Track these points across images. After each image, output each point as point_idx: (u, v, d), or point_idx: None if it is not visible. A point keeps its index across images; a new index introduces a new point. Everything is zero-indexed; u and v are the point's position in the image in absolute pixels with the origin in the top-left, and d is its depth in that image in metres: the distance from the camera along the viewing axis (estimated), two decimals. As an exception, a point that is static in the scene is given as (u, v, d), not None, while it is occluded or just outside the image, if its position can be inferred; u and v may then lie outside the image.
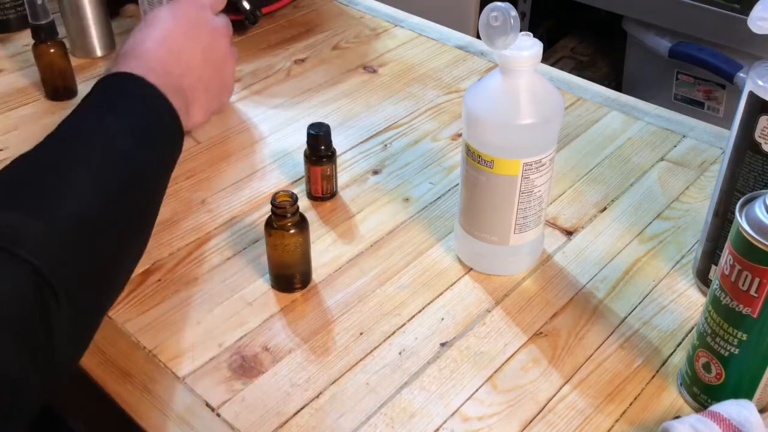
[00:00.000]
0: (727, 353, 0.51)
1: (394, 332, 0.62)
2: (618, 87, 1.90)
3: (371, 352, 0.60)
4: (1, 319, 0.44)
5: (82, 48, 0.97)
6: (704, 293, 0.65)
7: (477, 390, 0.57)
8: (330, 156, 0.73)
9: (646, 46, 1.75)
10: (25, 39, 1.00)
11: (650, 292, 0.66)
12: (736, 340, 0.50)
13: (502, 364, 0.59)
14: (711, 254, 0.63)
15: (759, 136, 0.55)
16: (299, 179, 0.78)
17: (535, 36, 0.58)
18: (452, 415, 0.56)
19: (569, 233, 0.72)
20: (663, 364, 0.59)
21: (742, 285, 0.48)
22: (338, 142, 0.84)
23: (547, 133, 0.60)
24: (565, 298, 0.65)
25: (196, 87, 0.75)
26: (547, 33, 2.15)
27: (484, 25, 0.55)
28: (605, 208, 0.75)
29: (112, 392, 0.57)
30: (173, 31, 0.74)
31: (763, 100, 0.54)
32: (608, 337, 0.61)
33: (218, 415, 0.55)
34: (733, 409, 0.49)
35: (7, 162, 0.56)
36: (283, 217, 0.61)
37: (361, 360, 0.59)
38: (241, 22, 1.04)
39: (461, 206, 0.66)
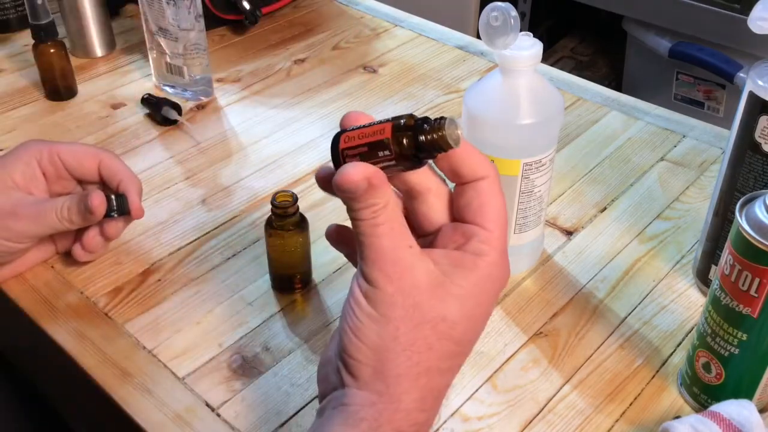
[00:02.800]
0: (727, 353, 0.51)
1: (394, 332, 0.62)
2: (618, 87, 1.90)
3: (371, 352, 0.60)
4: None
5: (82, 48, 0.97)
6: (704, 293, 0.65)
7: (477, 390, 0.57)
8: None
9: (646, 46, 1.75)
10: (25, 39, 1.00)
11: (650, 292, 0.66)
12: (736, 340, 0.50)
13: (502, 364, 0.59)
14: (711, 254, 0.63)
15: (759, 136, 0.55)
16: (299, 179, 0.78)
17: (535, 36, 0.58)
18: (452, 415, 0.56)
19: (569, 233, 0.72)
20: (663, 364, 0.59)
21: (742, 285, 0.48)
22: (338, 142, 0.84)
23: (547, 133, 0.60)
24: (565, 298, 0.65)
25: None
26: (547, 33, 2.15)
27: (484, 25, 0.55)
28: (605, 208, 0.75)
29: (112, 392, 0.57)
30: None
31: (763, 100, 0.54)
32: (608, 337, 0.61)
33: (218, 415, 0.55)
34: (733, 409, 0.49)
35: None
36: (283, 217, 0.61)
37: (361, 360, 0.59)
38: (241, 22, 1.04)
39: (461, 206, 0.66)
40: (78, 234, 0.66)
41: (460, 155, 0.42)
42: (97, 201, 0.61)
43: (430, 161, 0.43)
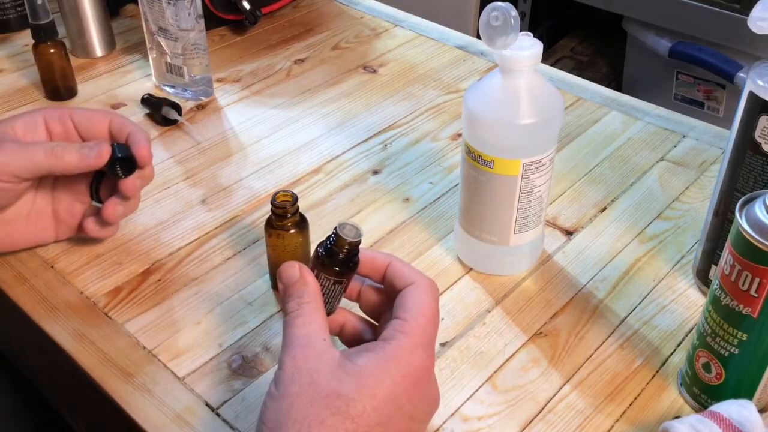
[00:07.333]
0: (727, 353, 0.51)
1: (394, 332, 0.62)
2: (618, 87, 1.90)
3: (371, 352, 0.60)
4: None
5: (82, 48, 0.98)
6: (704, 293, 0.65)
7: (477, 390, 0.57)
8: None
9: (646, 46, 1.75)
10: (25, 39, 1.00)
11: (650, 292, 0.66)
12: (736, 340, 0.50)
13: (502, 364, 0.59)
14: (711, 254, 0.63)
15: (759, 136, 0.55)
16: (299, 179, 0.78)
17: (535, 36, 0.58)
18: (452, 415, 0.56)
19: (569, 233, 0.72)
20: (663, 364, 0.59)
21: (742, 285, 0.48)
22: (338, 141, 0.84)
23: (547, 133, 0.60)
24: (565, 298, 0.65)
25: None
26: (547, 33, 2.15)
27: (484, 25, 0.55)
28: (605, 208, 0.75)
29: (112, 392, 0.57)
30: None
31: (763, 100, 0.54)
32: (608, 337, 0.61)
33: (218, 415, 0.55)
34: (733, 409, 0.49)
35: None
36: (283, 217, 0.61)
37: (361, 360, 0.59)
38: (241, 22, 1.04)
39: (461, 206, 0.66)
40: (84, 215, 0.65)
41: (391, 271, 0.48)
42: (106, 147, 0.61)
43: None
